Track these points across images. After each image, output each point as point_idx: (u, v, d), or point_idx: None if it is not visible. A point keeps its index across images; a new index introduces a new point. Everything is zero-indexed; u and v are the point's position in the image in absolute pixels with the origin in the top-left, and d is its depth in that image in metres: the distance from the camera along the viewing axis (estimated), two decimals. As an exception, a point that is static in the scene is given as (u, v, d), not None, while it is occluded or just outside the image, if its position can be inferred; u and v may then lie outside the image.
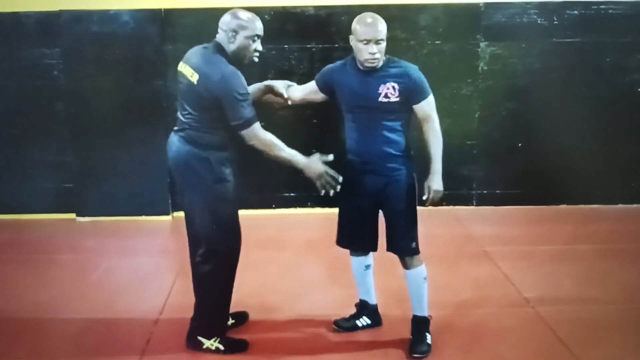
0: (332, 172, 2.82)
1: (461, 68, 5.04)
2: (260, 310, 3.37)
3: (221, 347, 2.98)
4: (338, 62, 3.05)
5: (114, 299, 3.60)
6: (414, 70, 2.90)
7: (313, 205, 5.12)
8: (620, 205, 5.25)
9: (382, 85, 2.85)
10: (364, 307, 3.22)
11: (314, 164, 2.83)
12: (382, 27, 2.80)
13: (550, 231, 4.71)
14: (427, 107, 2.91)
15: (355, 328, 3.19)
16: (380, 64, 2.85)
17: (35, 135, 5.01)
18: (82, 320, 3.34)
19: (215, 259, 2.90)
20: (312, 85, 3.10)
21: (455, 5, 4.96)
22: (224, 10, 5.28)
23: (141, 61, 4.86)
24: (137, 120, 4.92)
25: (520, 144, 5.17)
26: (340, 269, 3.56)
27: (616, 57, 5.06)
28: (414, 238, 2.98)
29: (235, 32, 2.77)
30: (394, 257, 3.03)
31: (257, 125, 2.77)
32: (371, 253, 3.14)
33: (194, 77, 2.77)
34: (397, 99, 2.85)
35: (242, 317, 3.27)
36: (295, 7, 4.91)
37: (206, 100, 2.74)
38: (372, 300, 3.23)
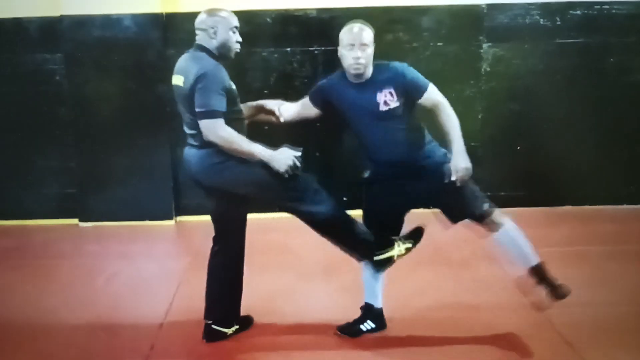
0: (298, 162, 2.77)
1: (464, 70, 5.03)
2: (264, 315, 3.34)
3: (410, 245, 2.99)
4: (328, 78, 3.02)
5: (117, 304, 3.59)
6: (403, 68, 2.88)
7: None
8: (625, 206, 5.23)
9: (378, 94, 2.83)
10: (369, 311, 3.20)
11: (281, 155, 2.76)
12: (366, 32, 2.82)
13: (555, 232, 4.68)
14: (432, 96, 2.89)
15: (360, 333, 3.17)
16: (369, 71, 2.85)
17: (37, 140, 5.01)
18: (85, 326, 3.33)
19: (320, 208, 2.87)
20: (305, 101, 3.06)
21: (458, 7, 4.95)
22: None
23: (144, 66, 4.85)
24: (140, 125, 4.92)
25: (519, 147, 5.14)
26: (345, 273, 3.54)
27: (620, 58, 5.04)
28: (483, 198, 2.95)
29: (215, 27, 2.83)
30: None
31: (220, 121, 2.70)
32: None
33: (181, 80, 2.80)
34: (398, 103, 2.84)
35: (246, 322, 3.26)
36: (297, 10, 4.91)
37: (194, 97, 2.73)
38: (378, 304, 3.20)
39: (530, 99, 5.07)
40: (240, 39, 2.91)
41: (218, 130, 2.70)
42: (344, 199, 5.01)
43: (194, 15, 4.81)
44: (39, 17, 4.82)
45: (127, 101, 4.91)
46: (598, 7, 4.94)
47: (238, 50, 2.92)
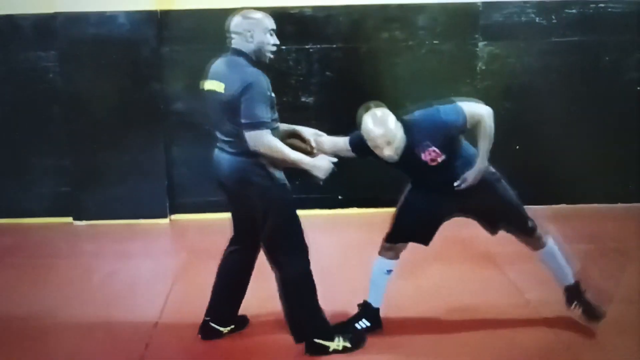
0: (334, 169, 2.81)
1: (459, 68, 5.02)
2: (261, 315, 3.33)
3: (348, 345, 2.99)
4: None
5: (112, 303, 3.58)
6: (433, 119, 2.82)
7: (312, 207, 5.08)
8: (619, 205, 5.23)
9: (422, 154, 2.81)
10: (366, 309, 3.20)
11: (322, 163, 2.80)
12: (391, 123, 2.74)
13: (551, 231, 4.67)
14: (472, 118, 2.84)
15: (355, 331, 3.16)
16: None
17: (32, 139, 4.98)
18: (80, 325, 3.32)
19: (298, 262, 2.91)
20: (346, 145, 2.98)
21: (454, 5, 4.94)
22: (220, 12, 5.23)
23: (138, 63, 4.82)
24: (134, 123, 4.89)
25: (517, 147, 5.13)
26: (342, 273, 3.53)
27: (615, 56, 5.04)
28: (527, 215, 3.02)
29: (251, 30, 2.78)
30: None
31: (267, 132, 2.70)
32: (398, 260, 3.12)
33: (221, 87, 2.76)
34: (444, 155, 2.83)
35: (242, 322, 3.25)
36: (293, 8, 4.88)
37: (237, 103, 2.70)
38: (377, 303, 3.20)
39: (525, 97, 5.06)
40: (277, 42, 2.86)
41: (265, 141, 2.69)
42: (339, 197, 5.02)
43: (188, 13, 4.87)
44: (33, 14, 4.78)
45: (121, 99, 4.88)
46: (593, 5, 4.94)
47: (273, 54, 2.87)
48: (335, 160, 2.83)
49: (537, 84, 5.06)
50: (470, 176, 2.87)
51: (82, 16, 4.72)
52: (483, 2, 4.94)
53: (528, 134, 5.13)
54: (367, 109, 2.82)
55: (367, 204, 5.07)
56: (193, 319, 3.19)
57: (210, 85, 2.83)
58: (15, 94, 4.92)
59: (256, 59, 2.81)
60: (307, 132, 3.03)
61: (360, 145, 2.92)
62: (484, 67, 5.03)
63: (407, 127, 2.81)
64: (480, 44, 5.00)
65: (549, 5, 4.95)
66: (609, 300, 3.47)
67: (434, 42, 4.96)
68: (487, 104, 4.98)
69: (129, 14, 4.74)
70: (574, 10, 4.95)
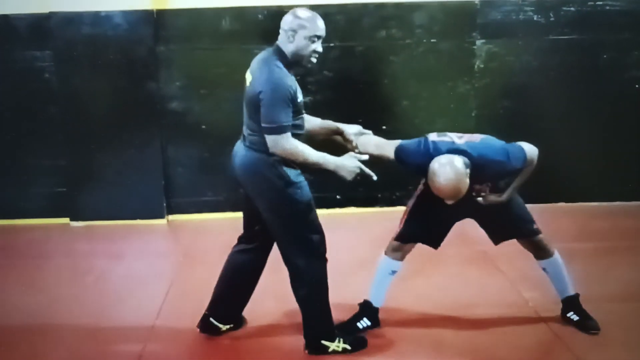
0: (367, 170, 2.74)
1: (457, 66, 5.00)
2: (260, 316, 3.32)
3: (348, 347, 2.97)
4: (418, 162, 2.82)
5: (108, 304, 3.56)
6: (501, 165, 2.79)
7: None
8: (618, 203, 5.22)
9: (475, 185, 2.82)
10: (367, 308, 3.19)
11: (347, 163, 2.74)
12: (460, 189, 2.68)
13: (548, 229, 4.59)
14: (529, 164, 2.85)
15: (356, 330, 3.15)
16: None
17: (28, 139, 4.95)
18: (76, 326, 3.30)
19: (311, 263, 2.87)
20: (390, 155, 2.87)
21: (451, 3, 4.92)
22: (217, 11, 5.25)
23: (134, 63, 4.79)
24: (130, 123, 4.87)
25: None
26: (341, 274, 3.50)
27: (614, 54, 5.03)
28: (532, 220, 3.03)
29: (294, 31, 2.72)
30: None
31: (287, 135, 2.66)
32: (403, 262, 3.11)
33: (249, 80, 2.75)
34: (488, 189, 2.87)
35: (239, 321, 3.23)
36: (290, 7, 4.83)
37: (258, 102, 2.67)
38: (378, 303, 3.19)
39: (523, 95, 5.05)
40: (319, 50, 2.76)
41: (285, 145, 2.66)
42: (337, 197, 5.01)
43: (184, 12, 4.84)
44: (28, 14, 4.75)
45: (117, 99, 4.85)
46: (592, 3, 4.92)
47: (314, 62, 2.80)
48: (365, 157, 2.74)
49: (535, 82, 5.04)
50: (490, 200, 2.91)
51: (78, 16, 4.69)
52: (481, 0, 4.92)
53: (526, 132, 5.05)
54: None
55: (365, 203, 5.06)
56: (190, 320, 3.17)
57: (246, 76, 2.82)
58: (10, 94, 4.89)
59: (293, 61, 2.76)
60: (351, 129, 2.97)
61: (406, 163, 2.86)
62: (482, 66, 5.02)
63: (475, 167, 2.74)
64: (478, 42, 4.98)
65: (546, 3, 4.93)
66: (609, 299, 3.47)
67: (432, 40, 4.94)
68: (485, 102, 5.04)
69: (125, 14, 4.71)
70: (572, 8, 4.94)
